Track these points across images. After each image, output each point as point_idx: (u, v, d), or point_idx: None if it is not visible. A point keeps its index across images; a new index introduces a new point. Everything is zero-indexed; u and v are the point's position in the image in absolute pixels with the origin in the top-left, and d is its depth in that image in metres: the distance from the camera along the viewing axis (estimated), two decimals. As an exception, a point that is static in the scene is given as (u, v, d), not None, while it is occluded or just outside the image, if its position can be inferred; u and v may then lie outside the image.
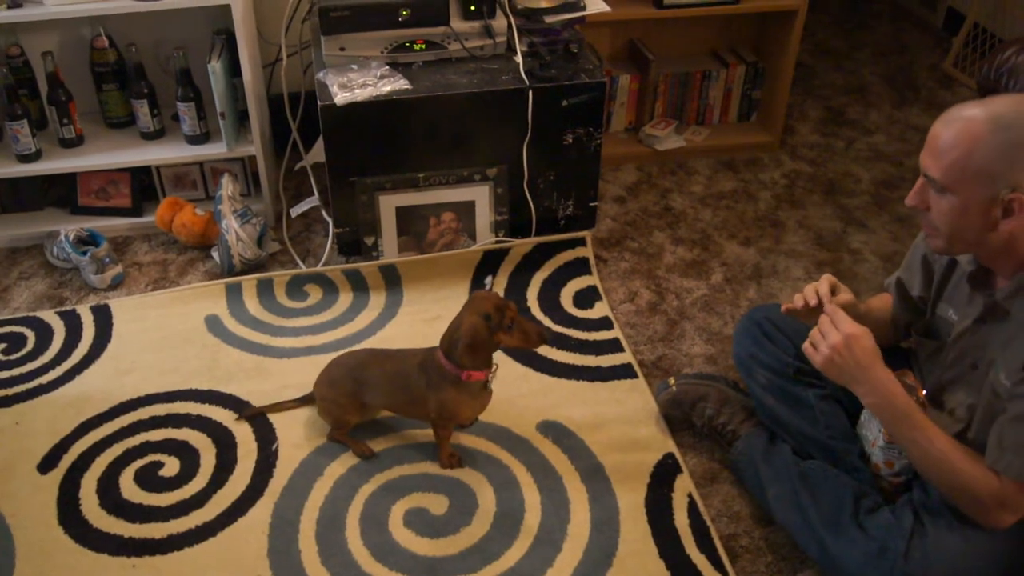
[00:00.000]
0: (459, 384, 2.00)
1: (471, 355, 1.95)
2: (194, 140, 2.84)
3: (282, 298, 2.64)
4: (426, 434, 2.20)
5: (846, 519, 1.75)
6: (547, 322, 2.56)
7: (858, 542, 1.71)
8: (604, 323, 2.56)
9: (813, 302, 1.82)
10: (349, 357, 2.22)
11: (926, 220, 1.66)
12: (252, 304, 2.61)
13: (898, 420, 1.69)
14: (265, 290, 2.66)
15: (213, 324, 2.55)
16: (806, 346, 1.77)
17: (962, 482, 1.64)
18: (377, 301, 2.63)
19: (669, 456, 2.16)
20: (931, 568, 1.62)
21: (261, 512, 2.04)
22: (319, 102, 2.47)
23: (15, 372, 2.41)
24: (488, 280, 2.67)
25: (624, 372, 2.40)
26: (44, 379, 2.39)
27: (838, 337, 1.71)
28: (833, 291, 1.83)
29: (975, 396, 1.73)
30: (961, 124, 1.55)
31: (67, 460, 2.17)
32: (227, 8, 2.59)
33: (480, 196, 2.68)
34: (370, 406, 2.17)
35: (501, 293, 2.64)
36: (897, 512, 1.71)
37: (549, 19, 2.69)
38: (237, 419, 2.27)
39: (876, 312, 1.98)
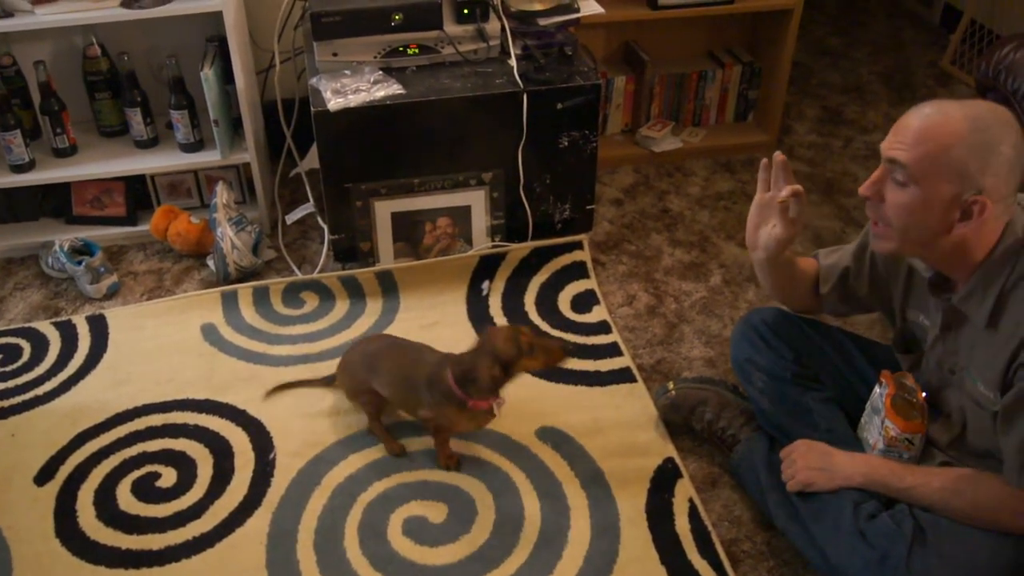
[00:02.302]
0: (463, 408, 2.00)
1: (491, 393, 1.96)
2: (188, 148, 2.83)
3: (278, 306, 2.63)
4: (424, 442, 2.19)
5: (846, 526, 1.73)
6: (545, 327, 2.54)
7: (858, 550, 1.69)
8: (602, 327, 2.54)
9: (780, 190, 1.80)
10: (368, 343, 2.23)
11: (878, 213, 1.63)
12: (248, 312, 2.60)
13: (890, 480, 1.76)
14: (261, 298, 2.64)
15: (209, 333, 2.54)
16: (789, 485, 1.87)
17: (967, 507, 1.66)
18: (374, 308, 2.62)
19: (669, 461, 2.15)
20: (933, 576, 1.61)
21: (259, 522, 2.03)
22: (312, 108, 2.46)
23: (11, 384, 2.39)
24: (485, 285, 2.66)
25: (623, 376, 2.38)
26: (40, 390, 2.38)
27: (796, 452, 1.88)
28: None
29: (962, 399, 1.73)
30: (940, 118, 1.54)
31: (64, 472, 2.15)
32: (219, 15, 2.58)
33: (476, 201, 2.67)
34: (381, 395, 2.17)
35: (498, 298, 2.63)
36: (897, 518, 1.70)
37: (543, 21, 2.68)
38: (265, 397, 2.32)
39: (798, 269, 1.97)
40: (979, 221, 1.54)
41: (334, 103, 2.45)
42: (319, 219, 2.86)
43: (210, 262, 2.76)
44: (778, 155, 1.81)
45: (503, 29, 2.62)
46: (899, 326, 1.90)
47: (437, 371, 2.03)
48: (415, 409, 2.11)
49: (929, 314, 1.78)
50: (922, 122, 1.55)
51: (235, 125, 2.87)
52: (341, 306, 2.63)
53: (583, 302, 2.63)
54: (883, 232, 1.64)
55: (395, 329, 2.53)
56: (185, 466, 2.16)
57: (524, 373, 1.98)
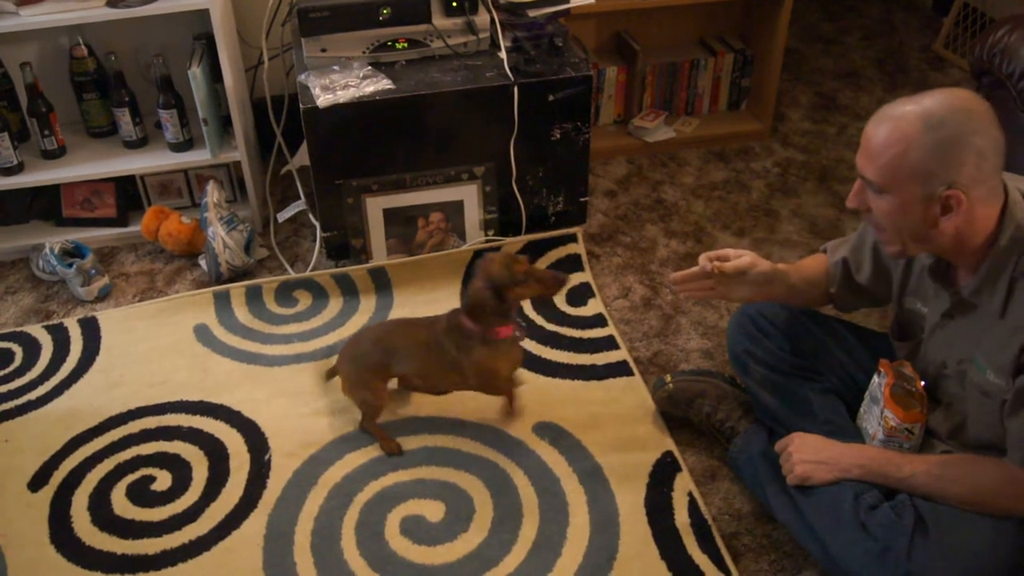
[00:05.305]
0: (487, 342, 2.02)
1: (476, 318, 1.97)
2: (177, 147, 2.81)
3: (271, 305, 2.61)
4: (419, 439, 2.18)
5: (846, 518, 1.71)
6: (540, 321, 2.52)
7: (859, 541, 1.68)
8: (598, 320, 2.53)
9: (709, 267, 1.87)
10: (373, 330, 2.25)
11: (872, 221, 1.66)
12: (241, 312, 2.58)
13: (888, 470, 1.74)
14: (254, 297, 2.62)
15: (202, 333, 2.52)
16: (788, 479, 1.84)
17: (967, 493, 1.65)
18: (367, 305, 2.60)
19: (668, 454, 2.13)
20: (935, 568, 1.60)
21: (255, 524, 2.01)
22: (301, 105, 2.44)
23: (3, 389, 2.37)
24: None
25: (620, 370, 2.37)
26: (33, 395, 2.36)
27: (792, 446, 1.84)
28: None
29: (959, 389, 1.73)
30: (892, 124, 1.54)
31: (58, 477, 2.13)
32: (206, 13, 2.56)
33: (468, 195, 2.65)
34: (399, 377, 2.18)
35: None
36: (898, 509, 1.68)
37: (533, 13, 2.66)
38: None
39: (805, 271, 1.98)
40: (961, 211, 1.53)
41: (323, 99, 2.43)
42: (311, 216, 2.84)
43: (202, 262, 2.74)
44: (671, 279, 1.92)
45: (492, 21, 2.60)
46: (895, 314, 1.89)
47: (452, 317, 2.08)
48: (448, 375, 2.11)
49: (928, 301, 1.77)
50: (876, 130, 1.56)
51: (224, 123, 2.85)
52: (335, 304, 2.61)
53: (578, 295, 2.62)
54: (883, 237, 1.67)
55: (389, 326, 2.52)
56: (180, 469, 2.15)
57: (520, 301, 2.01)
